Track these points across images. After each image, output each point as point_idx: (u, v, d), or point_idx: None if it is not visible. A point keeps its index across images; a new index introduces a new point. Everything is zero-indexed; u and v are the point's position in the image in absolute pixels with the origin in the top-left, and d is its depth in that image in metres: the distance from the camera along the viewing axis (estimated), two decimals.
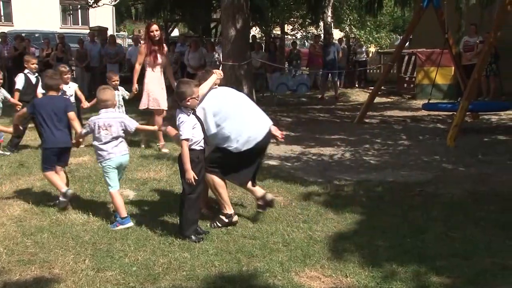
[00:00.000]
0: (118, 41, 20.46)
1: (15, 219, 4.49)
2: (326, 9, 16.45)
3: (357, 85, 16.62)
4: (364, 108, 10.33)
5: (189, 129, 3.97)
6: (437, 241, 4.05)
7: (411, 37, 13.25)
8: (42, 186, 5.45)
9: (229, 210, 4.35)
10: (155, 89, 7.18)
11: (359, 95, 14.74)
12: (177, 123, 4.01)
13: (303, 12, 18.72)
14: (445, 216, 4.60)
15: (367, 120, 10.24)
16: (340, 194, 5.36)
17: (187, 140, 3.94)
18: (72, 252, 3.83)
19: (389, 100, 13.68)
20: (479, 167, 6.46)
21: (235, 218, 4.38)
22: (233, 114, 4.29)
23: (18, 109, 6.64)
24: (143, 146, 7.56)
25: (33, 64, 7.48)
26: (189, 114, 4.02)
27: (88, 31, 19.45)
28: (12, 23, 29.99)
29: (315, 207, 4.88)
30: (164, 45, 7.37)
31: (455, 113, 8.46)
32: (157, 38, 7.12)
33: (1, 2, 31.86)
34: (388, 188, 5.55)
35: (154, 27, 7.17)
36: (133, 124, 4.57)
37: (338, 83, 14.97)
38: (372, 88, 11.67)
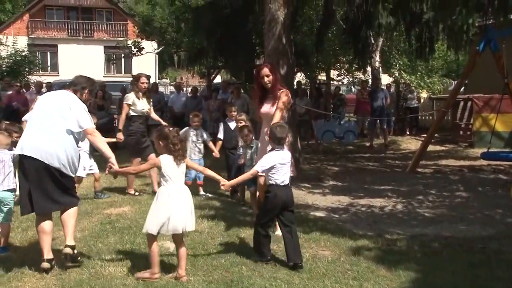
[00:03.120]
0: (160, 88, 21.26)
1: (55, 271, 4.58)
2: (374, 54, 16.57)
3: (408, 133, 16.47)
4: (417, 157, 10.18)
5: None
6: None
7: (466, 81, 13.10)
8: (82, 238, 5.58)
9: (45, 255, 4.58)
10: (263, 148, 5.54)
11: (410, 143, 14.56)
12: (286, 162, 4.77)
13: (349, 57, 18.88)
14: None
15: (420, 170, 10.06)
16: (393, 249, 5.23)
17: None
18: None
19: (443, 148, 13.43)
20: None
21: (44, 264, 4.52)
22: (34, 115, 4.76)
23: (216, 156, 7.62)
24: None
25: (231, 112, 8.08)
26: None
27: (130, 79, 20.29)
28: (58, 73, 31.81)
29: (365, 262, 4.77)
30: (281, 93, 5.62)
31: None
32: (268, 85, 5.64)
33: (48, 53, 34.00)
34: (445, 243, 5.37)
35: (265, 71, 5.64)
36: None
37: (388, 130, 14.86)
38: (425, 135, 11.51)
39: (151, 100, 8.21)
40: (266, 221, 4.83)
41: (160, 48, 26.61)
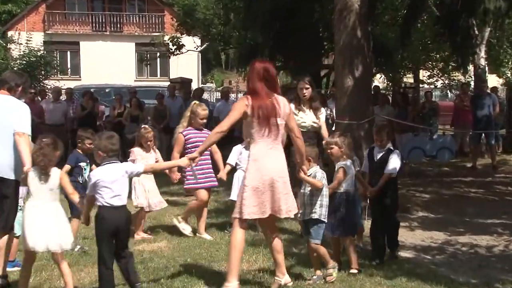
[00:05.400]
0: (205, 95, 21.65)
1: None
2: (477, 48, 16.28)
3: None
4: None
5: None
6: None
7: None
8: None
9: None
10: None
11: None
12: (118, 178, 4.94)
13: (445, 54, 18.67)
14: None
15: None
16: None
17: None
18: None
19: None
20: None
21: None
22: None
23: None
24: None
25: None
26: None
27: (167, 83, 20.80)
28: (80, 77, 32.89)
29: None
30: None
31: None
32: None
33: (68, 52, 35.22)
34: None
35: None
36: None
37: (497, 147, 14.53)
38: None
39: (321, 111, 7.70)
40: (104, 253, 4.95)
41: (204, 45, 27.23)
